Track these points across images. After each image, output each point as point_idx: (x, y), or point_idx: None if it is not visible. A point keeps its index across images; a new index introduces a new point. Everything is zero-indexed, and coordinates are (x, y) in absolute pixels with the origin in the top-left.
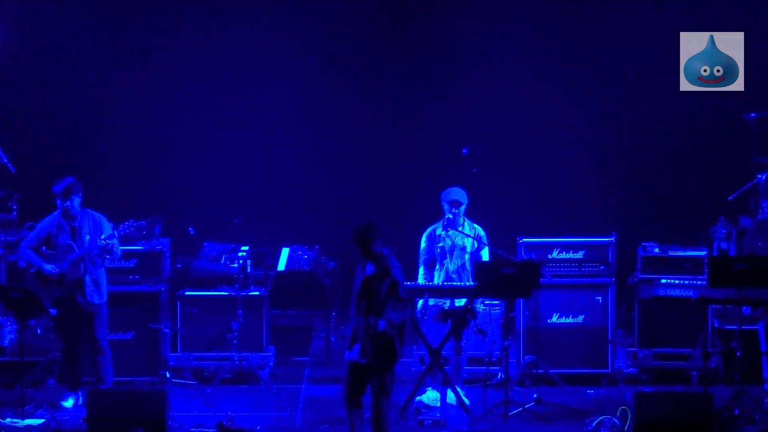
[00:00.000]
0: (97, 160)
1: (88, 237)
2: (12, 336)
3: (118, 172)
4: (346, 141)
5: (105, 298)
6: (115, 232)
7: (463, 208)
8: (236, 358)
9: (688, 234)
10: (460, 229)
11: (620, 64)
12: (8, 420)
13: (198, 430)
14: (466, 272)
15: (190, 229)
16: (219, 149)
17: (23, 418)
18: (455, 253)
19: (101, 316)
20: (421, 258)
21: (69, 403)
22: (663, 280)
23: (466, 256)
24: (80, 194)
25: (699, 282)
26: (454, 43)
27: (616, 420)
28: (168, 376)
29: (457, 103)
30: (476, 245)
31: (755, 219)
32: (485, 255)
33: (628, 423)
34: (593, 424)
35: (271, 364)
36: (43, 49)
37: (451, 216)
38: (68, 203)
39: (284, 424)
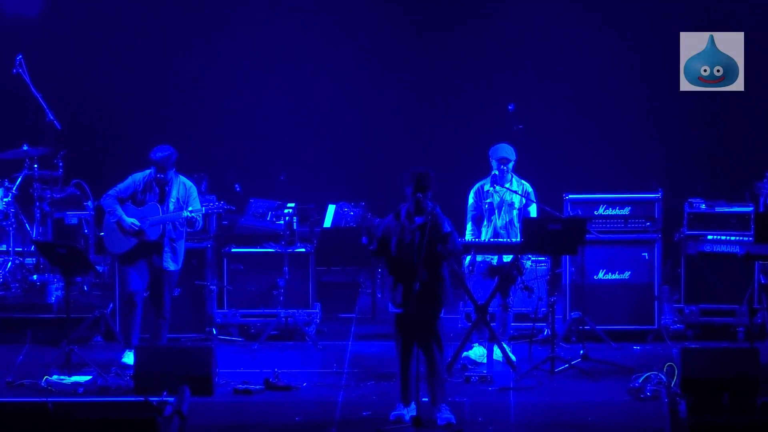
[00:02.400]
0: (144, 116)
1: (173, 202)
2: (58, 293)
3: (165, 128)
4: (392, 97)
5: (180, 266)
6: (203, 207)
7: (511, 164)
8: (282, 315)
9: (735, 190)
10: (507, 185)
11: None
12: (55, 377)
13: (244, 386)
14: (513, 228)
15: (237, 185)
16: (265, 106)
17: (70, 375)
18: (503, 208)
19: (171, 282)
20: (469, 214)
21: (130, 359)
22: (709, 236)
23: (514, 212)
24: (175, 165)
25: (745, 238)
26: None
27: (662, 376)
28: (214, 333)
29: (503, 59)
30: (524, 201)
31: None
32: (533, 211)
33: (674, 379)
34: (639, 381)
35: (317, 321)
36: (90, 5)
37: (498, 173)
38: (162, 175)
39: (330, 380)
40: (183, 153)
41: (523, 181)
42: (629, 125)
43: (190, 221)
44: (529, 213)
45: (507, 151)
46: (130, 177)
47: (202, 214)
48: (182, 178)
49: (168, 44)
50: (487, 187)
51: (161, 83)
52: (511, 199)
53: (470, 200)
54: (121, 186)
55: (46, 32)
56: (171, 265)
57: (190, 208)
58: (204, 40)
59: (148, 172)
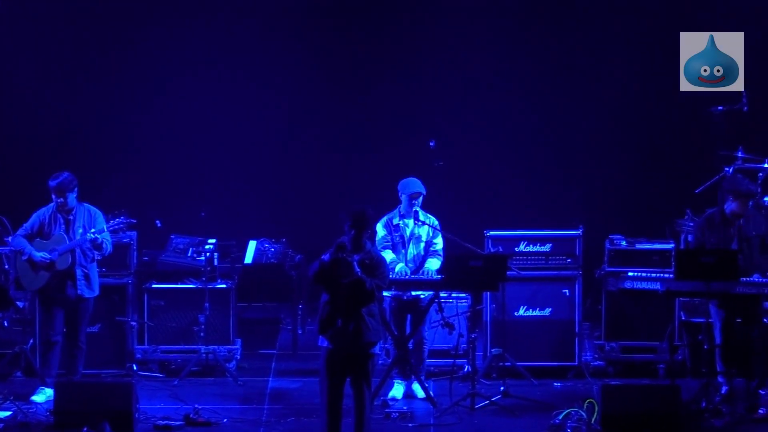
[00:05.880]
0: (65, 153)
1: (81, 230)
2: None
3: (85, 164)
4: (312, 135)
5: (95, 293)
6: (105, 227)
7: (421, 198)
8: (203, 351)
9: (656, 227)
10: (422, 218)
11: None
12: None
13: (165, 422)
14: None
15: (157, 221)
16: (186, 142)
17: None
18: (412, 241)
19: (87, 311)
20: (379, 246)
21: (41, 398)
22: (630, 273)
23: (421, 245)
24: (75, 190)
25: (666, 275)
26: (421, 37)
27: (582, 413)
28: (135, 368)
29: (424, 96)
30: (431, 233)
31: (701, 215)
32: (439, 242)
33: (594, 416)
34: (560, 417)
35: (238, 357)
36: (21, 44)
37: (419, 209)
38: (61, 199)
39: (251, 416)
40: (103, 189)
41: (428, 214)
42: (550, 162)
43: (97, 244)
44: (435, 245)
45: (419, 186)
46: (34, 213)
47: (108, 234)
48: (87, 206)
49: (89, 82)
50: (396, 221)
51: (82, 120)
52: (419, 232)
53: (380, 233)
54: (27, 224)
55: None
56: (87, 292)
57: (92, 230)
58: (124, 78)
59: (51, 205)
